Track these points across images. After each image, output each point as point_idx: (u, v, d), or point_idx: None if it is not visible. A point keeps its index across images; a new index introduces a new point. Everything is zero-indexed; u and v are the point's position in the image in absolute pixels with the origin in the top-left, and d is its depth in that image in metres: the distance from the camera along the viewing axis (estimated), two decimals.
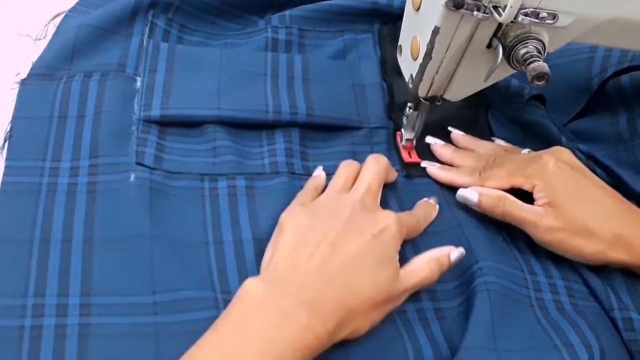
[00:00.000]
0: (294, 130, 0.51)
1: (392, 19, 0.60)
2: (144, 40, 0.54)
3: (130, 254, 0.41)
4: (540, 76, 0.36)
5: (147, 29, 0.55)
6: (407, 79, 0.45)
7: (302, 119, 0.51)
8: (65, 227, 0.41)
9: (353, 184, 0.45)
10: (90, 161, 0.45)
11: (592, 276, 0.44)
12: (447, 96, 0.45)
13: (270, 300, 0.36)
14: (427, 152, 0.52)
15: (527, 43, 0.37)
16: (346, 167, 0.46)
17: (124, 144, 0.47)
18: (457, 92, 0.44)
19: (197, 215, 0.45)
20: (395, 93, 0.55)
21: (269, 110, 0.51)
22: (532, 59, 0.36)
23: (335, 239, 0.39)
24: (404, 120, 0.50)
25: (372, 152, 0.51)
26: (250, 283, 0.37)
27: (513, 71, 0.40)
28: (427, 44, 0.40)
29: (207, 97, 0.50)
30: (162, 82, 0.51)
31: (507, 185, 0.46)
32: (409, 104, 0.48)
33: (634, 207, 0.45)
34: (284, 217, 0.42)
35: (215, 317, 0.37)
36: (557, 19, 0.37)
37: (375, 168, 0.46)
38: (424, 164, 0.51)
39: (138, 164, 0.46)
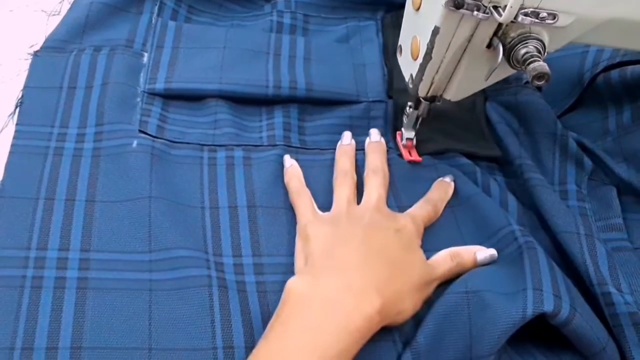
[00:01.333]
0: (293, 106, 0.53)
1: (395, 7, 0.61)
2: (153, 19, 0.56)
3: (129, 214, 0.43)
4: (540, 76, 0.36)
5: (156, 8, 0.57)
6: (407, 79, 0.45)
7: (301, 94, 0.53)
8: (69, 187, 0.44)
9: (354, 190, 0.47)
10: (96, 129, 0.48)
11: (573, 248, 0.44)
12: (447, 96, 0.45)
13: (314, 291, 0.37)
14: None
15: (527, 43, 0.37)
16: (343, 179, 0.47)
17: (128, 113, 0.49)
18: (457, 92, 0.44)
19: (195, 181, 0.47)
20: (395, 78, 0.55)
21: (269, 85, 0.52)
22: (532, 59, 0.36)
23: (363, 235, 0.41)
24: (404, 119, 0.50)
25: (369, 126, 0.52)
26: (291, 282, 0.38)
27: (513, 71, 0.40)
28: (427, 44, 0.40)
29: (210, 72, 0.52)
30: (167, 58, 0.53)
31: None
32: (409, 103, 0.48)
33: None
34: (307, 227, 0.43)
35: (205, 275, 0.40)
36: (557, 19, 0.37)
37: (382, 179, 0.47)
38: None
39: (141, 131, 0.48)
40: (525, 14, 0.36)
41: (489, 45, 0.39)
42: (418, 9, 0.41)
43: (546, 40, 0.37)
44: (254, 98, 0.52)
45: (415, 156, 0.51)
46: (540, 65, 0.36)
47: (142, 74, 0.52)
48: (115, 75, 0.51)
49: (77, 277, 0.40)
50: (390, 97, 0.55)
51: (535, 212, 0.48)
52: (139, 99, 0.50)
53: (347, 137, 0.51)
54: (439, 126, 0.53)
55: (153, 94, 0.51)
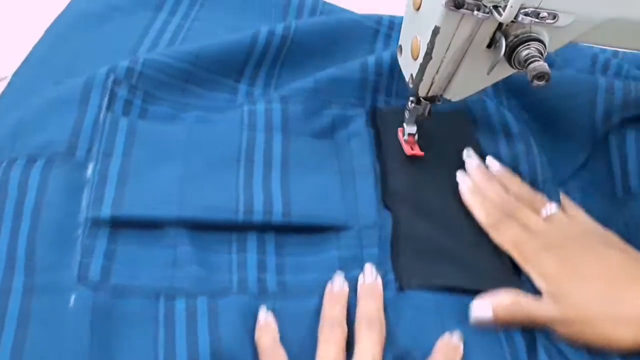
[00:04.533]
0: (269, 235, 0.44)
1: (384, 92, 0.54)
2: (101, 114, 0.47)
3: None
4: (540, 76, 0.36)
5: (105, 100, 0.47)
6: (407, 79, 0.45)
7: (277, 220, 0.43)
8: None
9: (342, 345, 0.38)
10: (25, 279, 0.38)
11: None
12: (447, 96, 0.45)
13: None
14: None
15: (528, 45, 0.37)
16: (330, 331, 0.39)
17: (66, 252, 0.40)
18: (457, 92, 0.44)
19: (147, 342, 0.38)
20: (389, 179, 0.48)
21: (239, 209, 0.43)
22: (533, 59, 0.36)
23: None
24: (406, 114, 0.50)
25: (362, 257, 0.43)
26: None
27: (513, 71, 0.40)
28: (427, 44, 0.40)
29: (169, 192, 0.43)
30: (117, 171, 0.44)
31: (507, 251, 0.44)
32: (411, 98, 0.47)
33: None
34: None
35: None
36: (558, 19, 0.37)
37: (377, 334, 0.39)
38: (459, 175, 0.48)
39: (81, 278, 0.39)
40: (526, 14, 0.36)
41: (489, 45, 0.39)
42: (418, 8, 0.41)
43: (546, 40, 0.37)
44: (221, 225, 0.43)
45: (417, 150, 0.50)
46: (541, 65, 0.36)
47: (85, 193, 0.43)
48: (51, 197, 0.41)
49: None
50: (386, 207, 0.46)
51: None
52: (79, 231, 0.41)
53: (338, 281, 0.42)
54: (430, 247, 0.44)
55: (98, 222, 0.41)
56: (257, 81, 0.54)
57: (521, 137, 0.51)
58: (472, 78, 0.42)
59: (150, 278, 0.40)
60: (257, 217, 0.43)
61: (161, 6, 0.59)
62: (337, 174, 0.47)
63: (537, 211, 0.46)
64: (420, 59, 0.42)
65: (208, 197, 0.43)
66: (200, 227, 0.43)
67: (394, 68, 0.52)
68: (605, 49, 0.59)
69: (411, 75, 0.44)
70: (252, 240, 0.43)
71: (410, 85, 0.45)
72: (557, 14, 0.37)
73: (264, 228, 0.44)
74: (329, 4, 0.62)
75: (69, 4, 0.59)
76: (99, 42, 0.55)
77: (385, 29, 0.58)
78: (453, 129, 0.51)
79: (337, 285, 0.42)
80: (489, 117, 0.52)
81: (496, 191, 0.47)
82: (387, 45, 0.58)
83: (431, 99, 0.46)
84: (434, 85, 0.44)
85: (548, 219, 0.45)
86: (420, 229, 0.45)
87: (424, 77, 0.43)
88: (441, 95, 0.45)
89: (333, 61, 0.55)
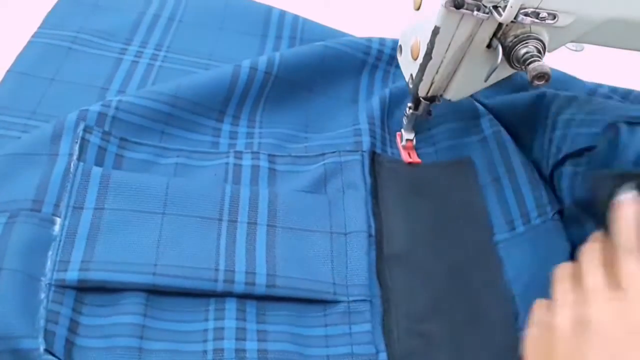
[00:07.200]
0: (251, 302, 0.41)
1: (380, 138, 0.52)
2: (72, 164, 0.43)
3: None
4: (540, 76, 0.36)
5: (76, 148, 0.43)
6: (407, 79, 0.45)
7: (260, 291, 0.41)
8: None
9: None
10: None
11: None
12: (447, 96, 0.45)
13: None
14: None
15: (527, 43, 0.37)
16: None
17: (28, 319, 0.36)
18: (457, 92, 0.44)
19: None
20: (385, 239, 0.45)
21: (219, 278, 0.40)
22: (532, 59, 0.36)
23: None
24: (404, 120, 0.50)
25: (350, 335, 0.41)
26: None
27: (513, 71, 0.40)
28: (427, 44, 0.40)
29: (143, 254, 0.40)
30: (87, 227, 0.40)
31: None
32: (408, 104, 0.48)
33: None
34: None
35: None
36: (557, 19, 0.37)
37: None
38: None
39: (47, 351, 0.35)
40: (526, 14, 0.36)
41: (489, 45, 0.39)
42: (418, 8, 0.41)
43: (546, 40, 0.37)
44: (199, 293, 0.41)
45: (414, 158, 0.51)
46: (540, 65, 0.36)
47: (50, 252, 0.39)
48: (11, 259, 0.37)
49: None
50: (378, 280, 0.44)
51: None
52: (43, 295, 0.37)
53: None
54: None
55: (63, 286, 0.38)
56: (241, 120, 0.51)
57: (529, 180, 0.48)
58: (472, 78, 0.42)
59: (116, 357, 0.37)
60: (239, 287, 0.40)
61: (131, 38, 0.56)
62: (328, 237, 0.44)
63: None
64: (420, 59, 0.42)
65: (185, 261, 0.40)
66: (176, 293, 0.40)
67: (391, 110, 0.53)
68: (602, 85, 0.59)
69: (411, 75, 0.44)
70: (231, 306, 0.40)
71: (410, 86, 0.45)
72: (557, 14, 0.37)
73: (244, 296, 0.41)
74: (310, 21, 0.61)
75: (30, 40, 0.54)
76: (66, 81, 0.51)
77: (373, 59, 0.57)
78: (457, 181, 0.49)
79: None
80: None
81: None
82: (372, 77, 0.57)
83: (431, 99, 0.46)
84: (433, 85, 0.44)
85: None
86: (415, 301, 0.43)
87: (423, 77, 0.43)
88: (441, 95, 0.45)
89: (320, 94, 0.54)
